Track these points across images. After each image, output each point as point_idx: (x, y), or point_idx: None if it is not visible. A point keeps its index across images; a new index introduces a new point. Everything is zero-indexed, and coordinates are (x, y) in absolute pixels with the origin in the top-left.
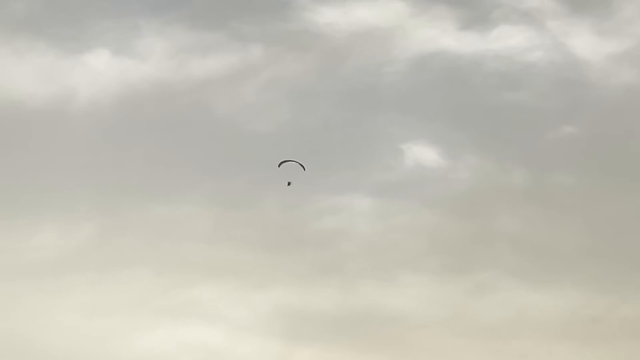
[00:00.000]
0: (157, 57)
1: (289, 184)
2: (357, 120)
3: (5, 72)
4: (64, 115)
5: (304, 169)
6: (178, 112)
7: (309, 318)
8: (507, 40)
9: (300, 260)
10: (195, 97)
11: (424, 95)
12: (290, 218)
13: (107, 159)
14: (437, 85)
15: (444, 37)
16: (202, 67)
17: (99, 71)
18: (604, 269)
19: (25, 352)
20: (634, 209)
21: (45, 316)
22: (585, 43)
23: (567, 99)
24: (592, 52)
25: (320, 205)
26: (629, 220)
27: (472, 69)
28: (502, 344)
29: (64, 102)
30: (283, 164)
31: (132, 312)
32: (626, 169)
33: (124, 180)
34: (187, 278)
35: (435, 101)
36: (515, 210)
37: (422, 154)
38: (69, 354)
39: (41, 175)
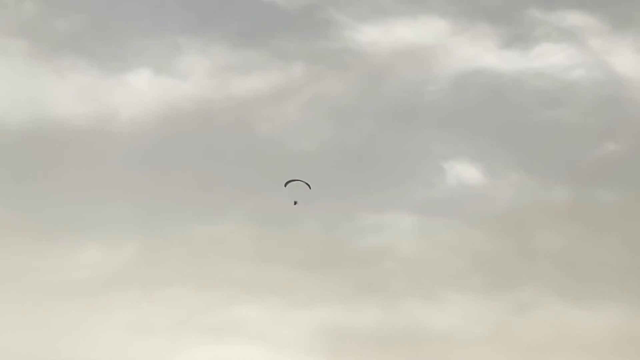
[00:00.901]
0: (199, 75)
1: (295, 203)
2: (399, 138)
3: (46, 91)
4: (106, 135)
5: (310, 188)
6: (220, 131)
7: (351, 336)
8: (549, 58)
9: (342, 279)
10: (237, 116)
11: (466, 113)
12: (332, 236)
13: (149, 178)
14: (478, 103)
15: (485, 55)
16: (244, 86)
17: (140, 90)
18: None
19: None
20: None
21: (89, 335)
22: (627, 60)
23: (609, 116)
24: (634, 69)
25: (362, 224)
26: None
27: (514, 87)
28: None
29: (105, 121)
30: (289, 184)
31: (175, 331)
32: None
33: (166, 199)
34: (230, 297)
35: (477, 119)
36: (557, 227)
37: (464, 171)
38: None
39: (83, 195)
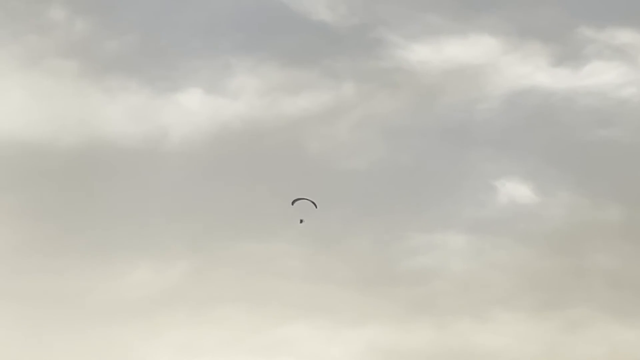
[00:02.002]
0: (249, 95)
1: (301, 221)
2: (450, 158)
3: (97, 112)
4: (156, 154)
5: (316, 207)
6: (270, 151)
7: (402, 356)
8: (600, 76)
9: (393, 298)
10: (287, 135)
11: (517, 131)
12: (383, 256)
13: (200, 197)
14: (530, 121)
15: (537, 73)
16: (295, 105)
17: (191, 110)
18: None
19: None
20: None
21: (140, 354)
22: None
23: None
24: None
25: (413, 243)
26: None
27: (565, 105)
28: None
29: (156, 141)
30: (296, 202)
31: (225, 350)
32: None
33: (217, 218)
34: (281, 316)
35: (529, 137)
36: (609, 246)
37: (516, 190)
38: None
39: (134, 214)
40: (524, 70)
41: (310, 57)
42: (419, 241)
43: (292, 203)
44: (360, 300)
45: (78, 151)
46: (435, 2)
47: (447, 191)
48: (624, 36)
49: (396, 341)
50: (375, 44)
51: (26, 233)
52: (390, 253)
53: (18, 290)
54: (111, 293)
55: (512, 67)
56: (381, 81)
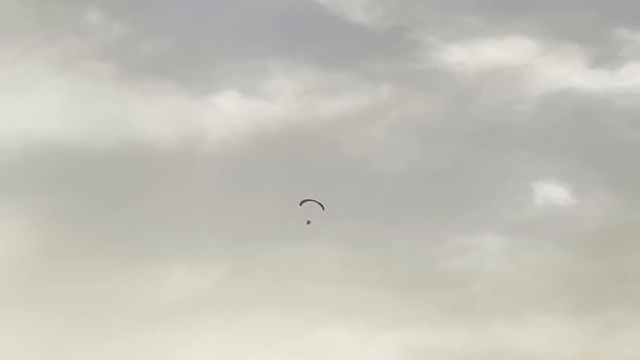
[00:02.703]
0: (286, 97)
1: (308, 222)
2: (487, 159)
3: (134, 114)
4: (193, 157)
5: (323, 209)
6: (307, 152)
7: (438, 358)
8: (637, 77)
9: (430, 300)
10: (324, 137)
11: (554, 133)
12: (420, 258)
13: (237, 200)
14: (566, 123)
15: (573, 75)
16: (331, 107)
17: (228, 112)
18: None
19: None
20: None
21: (177, 357)
22: None
23: None
24: None
25: (450, 245)
26: None
27: (602, 107)
28: None
29: (193, 143)
30: (304, 203)
31: (262, 353)
32: None
33: (254, 221)
34: (318, 318)
35: (565, 139)
36: None
37: (553, 192)
38: None
39: (172, 217)
40: (561, 71)
41: (347, 59)
42: (456, 243)
43: (300, 204)
44: (396, 303)
45: (114, 154)
46: (471, 4)
47: (484, 193)
48: None
49: (432, 343)
50: (412, 45)
51: (62, 236)
52: (427, 255)
53: (54, 294)
54: (148, 296)
55: (548, 68)
56: (417, 83)
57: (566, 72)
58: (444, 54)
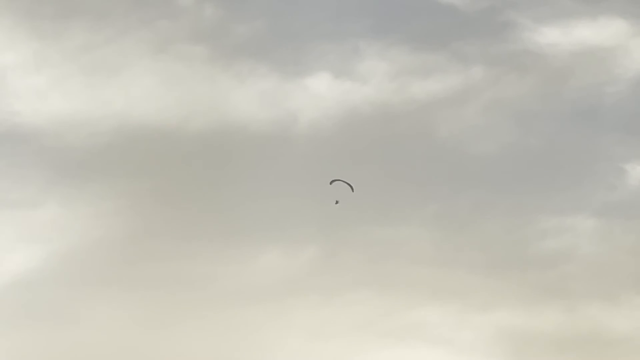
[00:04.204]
0: (379, 79)
1: (336, 202)
2: (580, 141)
3: (227, 96)
4: (286, 139)
5: (352, 190)
6: (400, 134)
7: (532, 340)
8: None
9: (523, 282)
10: (417, 119)
11: None
12: (513, 239)
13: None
14: None
15: None
16: (424, 89)
17: (320, 94)
18: None
19: None
20: None
21: (270, 339)
22: None
23: None
24: None
25: (543, 227)
26: None
27: None
28: None
29: (285, 125)
30: (334, 182)
31: (355, 335)
32: None
33: (346, 203)
34: (411, 300)
35: None
36: None
37: None
38: None
39: (264, 199)
40: None
41: (439, 40)
42: (549, 225)
43: (331, 183)
44: (489, 284)
45: (208, 136)
46: None
47: (577, 174)
48: None
49: (526, 325)
50: (504, 26)
51: (157, 217)
52: (520, 236)
53: (148, 275)
54: (241, 277)
55: None
56: (510, 64)
57: None
58: (536, 35)
